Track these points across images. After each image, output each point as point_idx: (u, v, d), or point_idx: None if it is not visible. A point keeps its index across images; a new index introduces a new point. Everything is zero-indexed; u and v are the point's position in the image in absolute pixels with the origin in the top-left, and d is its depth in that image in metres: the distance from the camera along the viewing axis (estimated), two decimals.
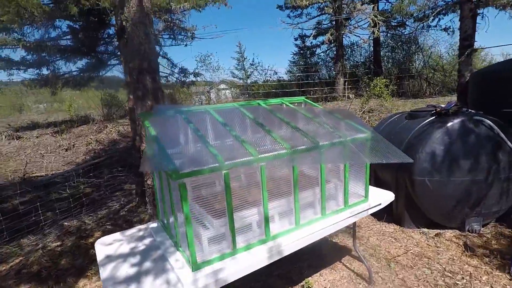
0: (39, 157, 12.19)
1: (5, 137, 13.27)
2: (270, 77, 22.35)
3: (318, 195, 2.78)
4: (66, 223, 5.41)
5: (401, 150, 4.65)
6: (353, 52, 21.51)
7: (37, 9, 11.06)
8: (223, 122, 2.66)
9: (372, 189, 3.39)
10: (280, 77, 22.30)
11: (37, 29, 14.10)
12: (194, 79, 19.34)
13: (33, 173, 10.81)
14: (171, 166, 1.96)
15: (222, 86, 24.29)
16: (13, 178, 10.28)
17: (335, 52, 19.46)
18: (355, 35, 18.46)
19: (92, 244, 4.50)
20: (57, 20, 14.90)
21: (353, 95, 16.59)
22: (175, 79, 19.17)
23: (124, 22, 3.75)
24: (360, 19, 17.45)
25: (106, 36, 16.75)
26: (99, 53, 17.35)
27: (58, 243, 4.58)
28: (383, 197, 3.26)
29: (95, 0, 12.69)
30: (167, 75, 18.79)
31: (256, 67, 23.00)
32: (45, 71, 15.97)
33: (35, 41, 14.23)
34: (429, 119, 4.62)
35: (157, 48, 17.97)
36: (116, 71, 18.27)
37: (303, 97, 3.69)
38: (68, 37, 15.70)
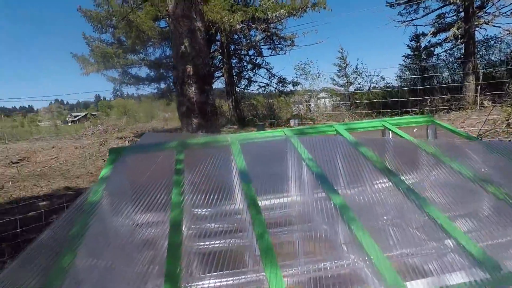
0: None
1: (128, 142, 14.83)
2: (376, 84, 19.33)
3: None
4: None
5: None
6: (489, 48, 16.53)
7: (151, 30, 11.80)
8: (245, 170, 1.20)
9: None
10: (388, 83, 19.04)
11: (156, 49, 15.43)
12: (292, 88, 18.25)
13: None
14: None
15: (323, 94, 22.46)
16: None
17: (462, 50, 15.28)
18: (494, 26, 13.91)
19: None
20: None
21: (490, 103, 12.47)
22: (273, 89, 18.49)
23: (167, 19, 2.84)
24: (502, 5, 13.08)
25: (213, 50, 17.33)
26: None
27: None
28: None
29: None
30: (265, 85, 18.28)
31: (360, 73, 20.27)
32: (162, 85, 17.54)
33: (154, 60, 15.64)
34: None
35: (259, 59, 17.63)
36: (220, 83, 18.73)
37: (427, 116, 1.89)
38: None
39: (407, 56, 19.12)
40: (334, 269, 0.94)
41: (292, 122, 15.82)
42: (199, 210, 1.19)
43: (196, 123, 2.89)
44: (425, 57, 18.43)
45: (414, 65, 18.56)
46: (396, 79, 19.90)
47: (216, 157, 1.30)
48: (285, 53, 16.31)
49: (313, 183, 1.24)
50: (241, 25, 12.27)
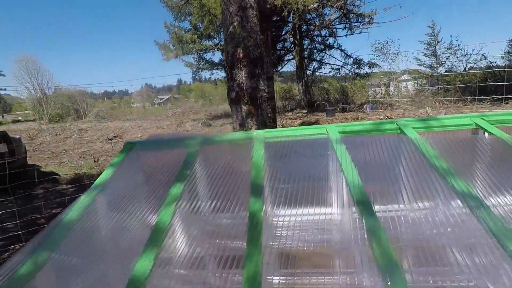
0: None
1: (201, 125, 15.66)
2: (475, 64, 16.19)
3: None
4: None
5: None
6: None
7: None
8: (258, 178, 0.91)
9: None
10: (491, 62, 15.74)
11: None
12: (369, 70, 16.66)
13: None
14: None
15: (405, 76, 19.98)
16: None
17: None
18: None
19: None
20: None
21: None
22: (348, 71, 17.19)
23: None
24: None
25: (284, 33, 16.83)
26: (278, 50, 17.80)
27: None
28: None
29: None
30: (339, 67, 17.12)
31: (455, 51, 17.18)
32: None
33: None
34: None
35: (330, 39, 16.43)
36: (290, 66, 18.19)
37: None
38: None
39: None
40: None
41: (366, 107, 14.53)
42: (189, 227, 0.96)
43: (246, 110, 2.67)
44: None
45: None
46: (503, 57, 16.36)
47: (230, 159, 1.05)
48: (361, 32, 14.81)
49: (351, 202, 0.89)
50: (316, 4, 11.45)
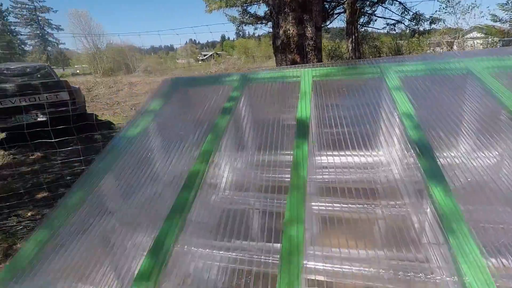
0: None
1: None
2: None
3: None
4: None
5: None
6: None
7: None
8: (306, 117, 0.91)
9: None
10: None
11: None
12: (429, 27, 14.86)
13: None
14: None
15: (474, 34, 17.52)
16: None
17: None
18: None
19: None
20: None
21: None
22: (404, 27, 15.53)
23: None
24: None
25: None
26: (327, 2, 16.47)
27: None
28: None
29: None
30: (395, 22, 15.49)
31: None
32: None
33: None
34: None
35: None
36: (341, 21, 16.86)
37: None
38: None
39: None
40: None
41: None
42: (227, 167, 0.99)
43: (291, 59, 2.55)
44: None
45: None
46: None
47: (276, 96, 1.03)
48: None
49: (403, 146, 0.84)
50: None
